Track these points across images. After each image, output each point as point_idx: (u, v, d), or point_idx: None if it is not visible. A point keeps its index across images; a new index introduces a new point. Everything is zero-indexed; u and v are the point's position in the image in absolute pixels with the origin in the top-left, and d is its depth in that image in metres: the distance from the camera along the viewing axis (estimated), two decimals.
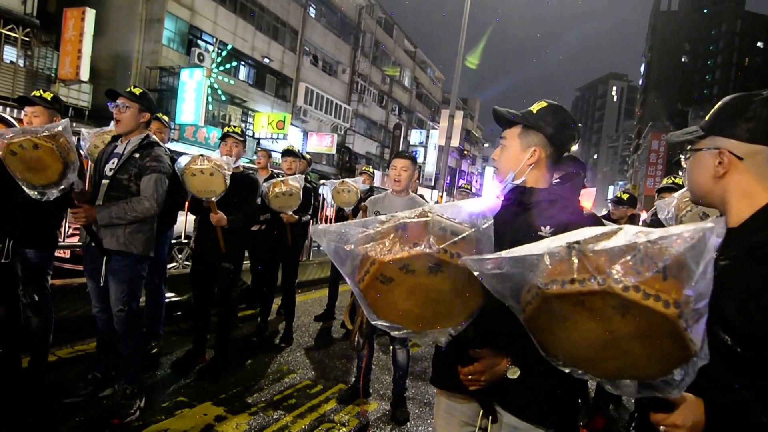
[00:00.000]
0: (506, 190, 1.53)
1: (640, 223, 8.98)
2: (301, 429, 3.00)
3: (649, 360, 0.87)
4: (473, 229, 1.14)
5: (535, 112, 1.51)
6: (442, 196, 13.14)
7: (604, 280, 0.82)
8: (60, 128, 2.31)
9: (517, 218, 1.48)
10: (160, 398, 3.11)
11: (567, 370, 0.99)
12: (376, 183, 25.92)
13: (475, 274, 1.00)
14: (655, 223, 2.49)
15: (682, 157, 1.26)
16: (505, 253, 0.96)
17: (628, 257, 0.82)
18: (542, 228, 1.46)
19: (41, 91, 2.93)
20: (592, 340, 0.89)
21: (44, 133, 2.25)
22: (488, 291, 1.18)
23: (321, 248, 1.25)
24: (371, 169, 6.32)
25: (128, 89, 2.84)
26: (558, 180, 1.58)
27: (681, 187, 3.20)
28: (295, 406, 3.29)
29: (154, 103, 2.96)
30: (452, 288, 1.13)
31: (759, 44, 60.41)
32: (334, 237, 1.16)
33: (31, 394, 2.87)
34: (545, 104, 1.53)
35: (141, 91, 2.85)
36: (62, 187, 2.35)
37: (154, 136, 2.94)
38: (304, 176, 4.67)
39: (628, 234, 0.85)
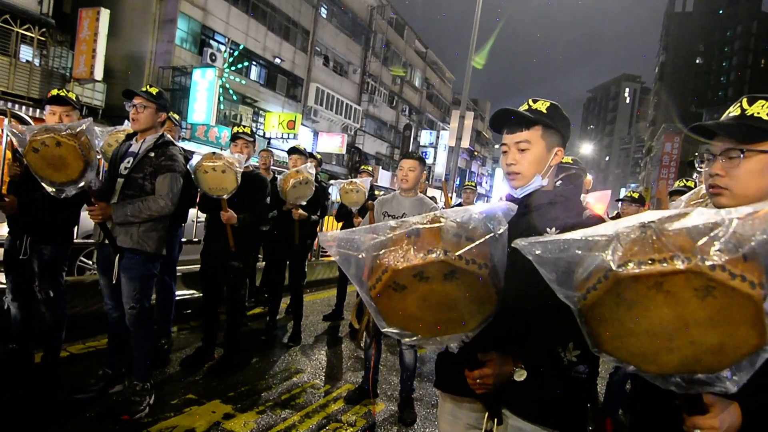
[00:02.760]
0: (524, 194, 1.51)
1: None
2: (308, 428, 3.01)
3: (719, 350, 0.83)
4: (489, 235, 1.10)
5: (546, 111, 1.48)
6: (451, 197, 13.14)
7: (690, 258, 0.77)
8: (83, 127, 2.35)
9: (522, 219, 1.47)
10: (169, 395, 3.14)
11: (619, 365, 0.94)
12: (386, 183, 25.95)
13: (529, 257, 0.96)
14: None
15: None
16: (566, 235, 0.92)
17: (710, 236, 0.78)
18: (548, 229, 1.45)
19: (65, 90, 2.97)
20: (660, 329, 0.84)
21: (67, 132, 2.29)
22: (500, 295, 1.18)
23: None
24: (370, 168, 6.34)
25: (144, 89, 2.87)
26: (560, 181, 1.58)
27: (692, 189, 3.17)
28: (303, 405, 3.30)
29: (169, 102, 2.99)
30: (466, 294, 1.11)
31: None
32: (344, 244, 1.12)
33: (42, 389, 2.92)
34: (549, 103, 1.50)
35: (157, 90, 2.88)
36: (81, 185, 2.39)
37: (168, 136, 2.97)
38: (313, 166, 4.66)
39: (704, 213, 0.81)
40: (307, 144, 23.49)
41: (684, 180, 3.39)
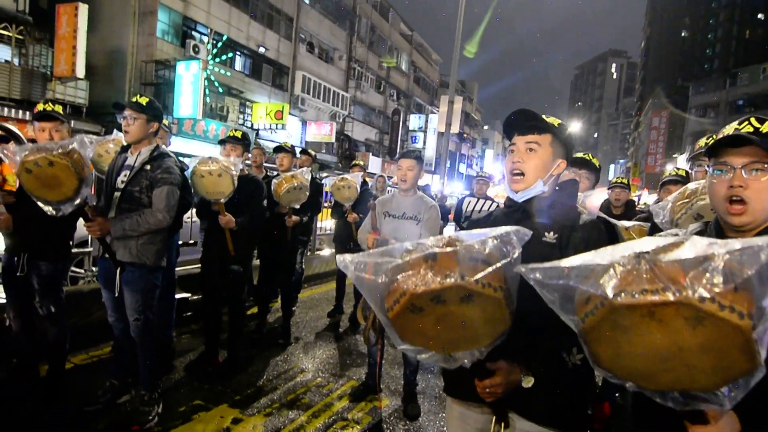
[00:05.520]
0: (524, 198, 1.57)
1: (642, 205, 8.91)
2: (315, 428, 3.07)
3: (713, 372, 0.86)
4: (505, 260, 1.13)
5: (557, 126, 1.57)
6: (443, 182, 13.21)
7: (680, 290, 0.81)
8: (75, 144, 2.33)
9: (520, 224, 1.51)
10: (176, 403, 3.18)
11: (617, 382, 0.98)
12: (377, 170, 25.97)
13: (531, 282, 1.00)
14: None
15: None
16: (564, 262, 0.95)
17: (701, 268, 0.81)
18: (546, 234, 1.51)
19: (51, 104, 2.92)
20: (655, 353, 0.88)
21: (59, 150, 2.26)
22: (513, 315, 1.22)
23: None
24: (361, 162, 6.27)
25: (134, 99, 2.82)
26: (557, 188, 1.62)
27: (685, 178, 3.21)
28: (309, 405, 3.36)
29: (161, 111, 2.95)
30: (481, 315, 1.15)
31: (759, 16, 59.42)
32: (361, 267, 1.16)
33: (51, 403, 2.94)
34: (559, 121, 1.59)
35: (147, 100, 2.84)
36: (77, 201, 2.37)
37: (164, 147, 2.95)
38: (309, 170, 4.65)
39: (697, 245, 0.85)
40: (296, 134, 23.31)
41: (676, 169, 3.43)
